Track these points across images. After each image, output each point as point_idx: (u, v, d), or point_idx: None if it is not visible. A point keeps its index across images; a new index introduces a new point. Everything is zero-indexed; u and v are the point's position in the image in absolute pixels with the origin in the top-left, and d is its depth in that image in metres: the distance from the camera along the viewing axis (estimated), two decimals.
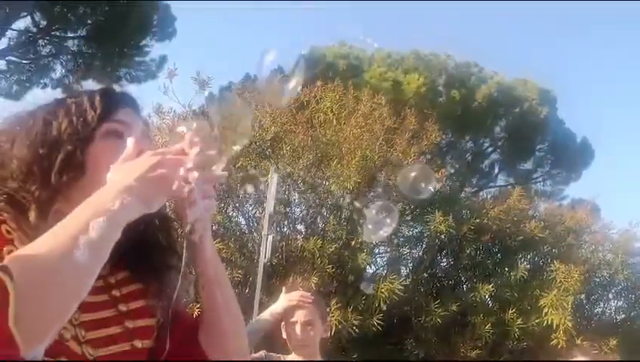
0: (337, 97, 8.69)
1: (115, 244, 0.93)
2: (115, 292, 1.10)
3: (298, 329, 2.96)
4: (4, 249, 0.94)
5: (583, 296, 8.67)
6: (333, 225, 8.01)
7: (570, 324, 7.47)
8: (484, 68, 15.17)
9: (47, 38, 14.79)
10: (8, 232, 0.98)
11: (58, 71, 15.08)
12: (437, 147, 10.27)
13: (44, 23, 14.40)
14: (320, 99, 8.70)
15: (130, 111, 1.15)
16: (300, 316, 2.97)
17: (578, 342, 7.27)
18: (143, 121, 1.20)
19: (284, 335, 3.03)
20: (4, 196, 1.02)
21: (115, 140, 1.08)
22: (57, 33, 14.78)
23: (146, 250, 1.15)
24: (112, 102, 1.13)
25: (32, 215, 1.01)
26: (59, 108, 1.11)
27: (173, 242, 1.19)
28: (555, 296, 7.69)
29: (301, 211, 8.51)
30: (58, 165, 1.04)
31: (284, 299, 3.03)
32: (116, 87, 1.21)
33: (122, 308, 1.10)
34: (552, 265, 8.17)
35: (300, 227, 8.45)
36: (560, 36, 30.29)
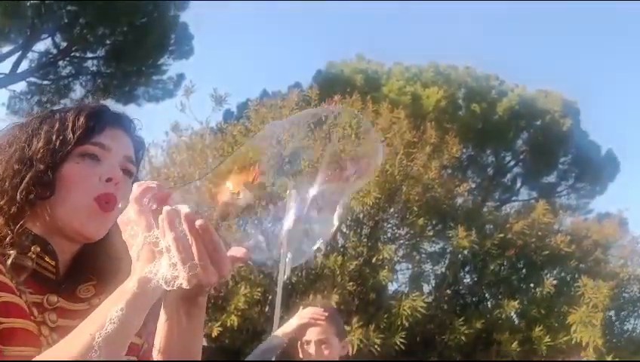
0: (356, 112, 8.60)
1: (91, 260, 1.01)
2: None
3: (312, 348, 2.83)
4: None
5: (612, 312, 8.43)
6: (354, 241, 7.89)
7: (600, 342, 7.24)
8: (504, 80, 15.01)
9: (67, 59, 14.98)
10: None
11: (78, 91, 15.24)
12: (458, 161, 10.12)
13: (64, 44, 14.60)
14: (338, 113, 8.61)
15: (117, 133, 1.13)
16: (313, 334, 2.84)
17: (609, 359, 7.05)
18: (136, 142, 1.17)
19: (301, 355, 2.90)
20: None
21: (90, 162, 1.08)
22: (77, 54, 14.97)
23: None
24: (96, 123, 1.11)
25: (1, 230, 1.02)
26: (44, 124, 1.10)
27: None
28: (583, 312, 7.47)
29: None
30: (25, 183, 1.04)
31: (297, 318, 2.91)
32: (129, 107, 1.20)
33: None
34: (580, 280, 7.96)
35: None
36: (582, 46, 30.02)
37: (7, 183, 1.05)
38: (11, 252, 1.01)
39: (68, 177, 1.06)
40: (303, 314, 2.90)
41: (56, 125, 1.09)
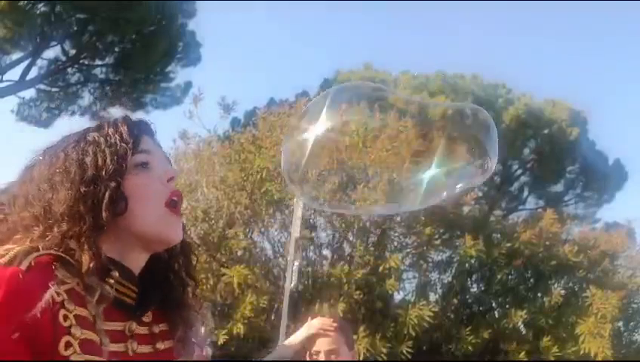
0: (363, 120, 8.60)
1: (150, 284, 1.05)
2: (160, 345, 1.11)
3: (322, 358, 2.81)
4: (60, 314, 0.93)
5: (620, 322, 8.37)
6: (360, 250, 7.86)
7: (608, 353, 7.19)
8: (511, 89, 14.98)
9: (76, 66, 15.07)
10: (58, 294, 0.95)
11: (86, 98, 15.33)
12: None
13: (73, 51, 14.69)
14: (345, 122, 8.62)
15: (149, 139, 1.16)
16: (322, 345, 2.83)
17: None
18: (158, 142, 1.20)
19: None
20: (56, 243, 0.99)
21: (144, 170, 1.10)
22: (86, 62, 15.06)
23: (169, 285, 1.16)
24: (135, 133, 1.13)
25: (86, 258, 0.99)
26: (87, 143, 1.09)
27: (192, 269, 1.20)
28: (592, 323, 7.42)
29: (327, 236, 8.39)
30: (106, 201, 1.03)
31: (305, 328, 2.90)
32: (137, 115, 1.21)
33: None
34: (588, 290, 7.90)
35: (327, 252, 8.32)
36: (589, 56, 29.95)
37: (80, 207, 1.02)
38: (97, 282, 0.99)
39: (135, 189, 1.06)
40: (312, 324, 2.88)
41: (102, 142, 1.09)
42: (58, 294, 0.94)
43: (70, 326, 0.94)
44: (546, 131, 14.86)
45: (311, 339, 2.86)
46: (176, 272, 1.16)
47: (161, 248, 1.11)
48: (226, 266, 7.60)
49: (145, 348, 1.06)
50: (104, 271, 1.00)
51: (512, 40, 29.49)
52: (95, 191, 1.03)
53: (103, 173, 1.05)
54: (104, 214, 1.02)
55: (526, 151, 15.57)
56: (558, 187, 16.09)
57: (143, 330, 1.08)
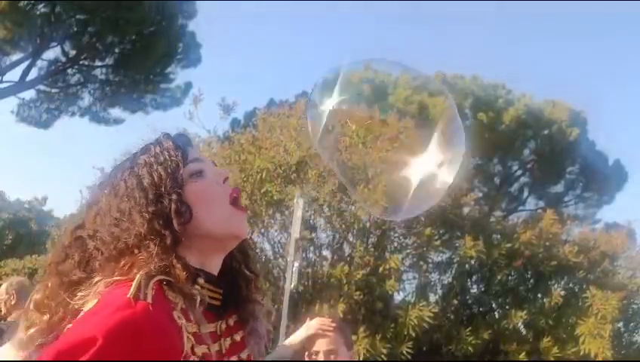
0: (363, 121, 8.59)
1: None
2: (236, 337, 1.18)
3: (321, 359, 2.82)
4: (185, 337, 1.00)
5: (620, 323, 8.36)
6: (360, 250, 7.86)
7: (609, 353, 7.18)
8: (511, 90, 14.98)
9: (76, 67, 15.09)
10: (179, 318, 1.02)
11: (86, 99, 15.35)
12: (464, 170, 10.09)
13: (73, 52, 14.71)
14: (345, 122, 8.61)
15: (191, 149, 1.22)
16: (321, 345, 2.84)
17: None
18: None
19: None
20: (158, 268, 1.04)
21: (199, 178, 1.16)
22: (86, 62, 15.08)
23: (235, 281, 1.23)
24: (180, 146, 1.20)
25: (180, 270, 1.05)
26: (140, 167, 1.15)
27: (251, 264, 1.27)
28: (592, 323, 7.41)
29: (327, 237, 8.38)
30: (173, 213, 1.09)
31: (304, 329, 2.91)
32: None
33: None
34: (588, 291, 7.89)
35: (327, 253, 8.31)
36: (589, 56, 29.97)
37: (156, 226, 1.08)
38: (195, 290, 1.06)
39: (196, 196, 1.13)
40: (311, 325, 2.89)
41: (156, 160, 1.15)
42: (179, 318, 1.01)
43: (192, 346, 1.01)
44: (545, 132, 14.85)
45: (310, 340, 2.87)
46: (238, 270, 1.24)
47: (234, 244, 1.18)
48: None
49: (228, 342, 1.15)
50: (194, 279, 1.07)
51: (511, 40, 29.52)
52: (162, 207, 1.09)
53: (163, 189, 1.11)
54: (176, 225, 1.08)
55: (526, 151, 15.58)
56: (558, 188, 16.09)
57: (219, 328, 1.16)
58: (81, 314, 0.99)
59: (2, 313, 4.26)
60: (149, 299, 0.97)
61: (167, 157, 1.15)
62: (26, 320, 1.10)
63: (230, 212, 1.15)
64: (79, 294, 1.04)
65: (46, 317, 1.07)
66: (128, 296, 0.96)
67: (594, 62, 29.10)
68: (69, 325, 0.99)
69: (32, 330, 1.08)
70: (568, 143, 14.80)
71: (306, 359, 2.91)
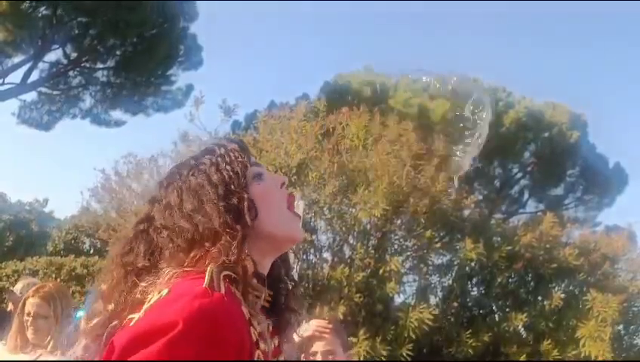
0: (363, 123, 8.61)
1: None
2: (275, 341, 1.22)
3: (319, 359, 2.84)
4: (251, 331, 1.03)
5: (621, 326, 8.35)
6: (361, 252, 7.86)
7: (609, 356, 7.18)
8: (511, 92, 14.99)
9: (78, 69, 15.12)
10: (246, 313, 1.06)
11: (87, 101, 15.37)
12: (465, 173, 10.08)
13: (74, 54, 14.74)
14: (346, 125, 8.63)
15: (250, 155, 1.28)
16: (319, 346, 2.86)
17: None
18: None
19: None
20: (228, 262, 1.06)
21: (260, 180, 1.21)
22: (87, 64, 15.10)
23: (275, 287, 1.26)
24: (242, 150, 1.25)
25: (250, 264, 1.07)
26: (207, 166, 1.19)
27: (290, 271, 1.32)
28: (592, 326, 7.41)
29: (327, 239, 8.39)
30: (245, 209, 1.13)
31: (301, 331, 2.92)
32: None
33: None
34: (589, 294, 7.89)
35: (327, 255, 8.32)
36: (590, 59, 29.98)
37: (227, 219, 1.10)
38: (259, 286, 1.10)
39: (260, 197, 1.17)
40: (308, 327, 2.91)
41: (224, 160, 1.20)
42: (248, 313, 1.05)
43: (257, 341, 1.05)
44: (546, 134, 14.86)
45: (306, 342, 2.89)
46: (278, 276, 1.27)
47: (289, 247, 1.25)
48: None
49: (275, 343, 1.20)
50: (257, 278, 1.10)
51: (512, 43, 29.53)
52: (232, 203, 1.13)
53: (232, 186, 1.15)
54: (248, 220, 1.12)
55: (526, 154, 15.59)
56: (559, 190, 16.09)
57: None
58: (154, 301, 1.01)
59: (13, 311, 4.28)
60: (223, 291, 1.00)
61: (234, 158, 1.20)
62: (90, 311, 1.16)
63: (289, 216, 1.21)
64: (142, 284, 1.07)
65: (110, 306, 1.09)
66: (204, 285, 0.99)
67: (594, 65, 29.13)
68: (133, 315, 1.01)
69: (95, 320, 1.11)
70: (569, 146, 14.81)
71: (303, 360, 2.93)
